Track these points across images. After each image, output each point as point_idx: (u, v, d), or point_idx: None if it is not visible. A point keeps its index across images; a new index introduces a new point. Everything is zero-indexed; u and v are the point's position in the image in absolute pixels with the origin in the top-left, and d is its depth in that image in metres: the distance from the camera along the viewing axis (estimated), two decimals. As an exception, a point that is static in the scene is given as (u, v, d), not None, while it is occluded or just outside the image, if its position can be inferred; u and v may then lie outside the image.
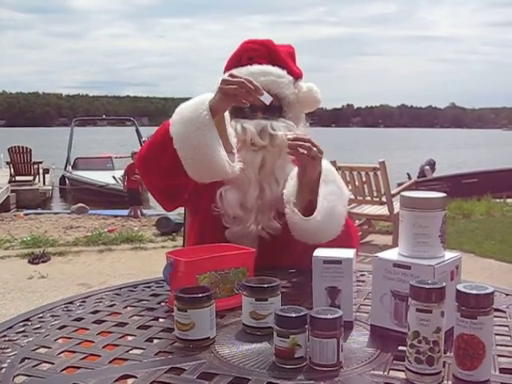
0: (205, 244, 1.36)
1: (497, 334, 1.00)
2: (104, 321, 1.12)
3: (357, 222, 5.88)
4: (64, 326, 1.09)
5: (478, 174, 11.41)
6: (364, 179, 5.76)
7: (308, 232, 1.40)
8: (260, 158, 1.49)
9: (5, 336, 1.05)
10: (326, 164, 1.45)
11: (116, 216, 8.34)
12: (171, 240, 6.16)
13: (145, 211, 9.14)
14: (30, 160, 13.79)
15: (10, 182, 12.98)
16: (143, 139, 14.23)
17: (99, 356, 0.94)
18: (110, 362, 0.91)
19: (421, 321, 0.82)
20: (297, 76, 1.60)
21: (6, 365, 0.91)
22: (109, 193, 12.27)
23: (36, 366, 0.91)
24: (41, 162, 14.37)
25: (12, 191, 12.01)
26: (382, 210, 5.72)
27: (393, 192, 5.69)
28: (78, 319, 1.14)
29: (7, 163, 14.04)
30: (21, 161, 13.74)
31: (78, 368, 0.90)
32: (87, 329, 1.08)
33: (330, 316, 0.87)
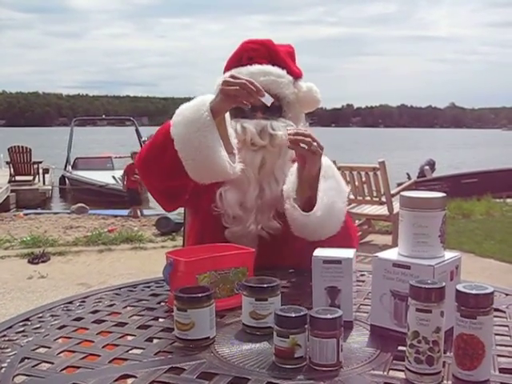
0: (204, 244, 1.36)
1: (496, 334, 1.00)
2: (104, 320, 1.12)
3: (357, 221, 5.88)
4: (64, 326, 1.09)
5: (477, 173, 11.42)
6: (364, 179, 5.76)
7: (308, 228, 1.40)
8: (260, 157, 1.49)
9: (4, 336, 1.05)
10: (325, 160, 1.44)
11: (116, 216, 8.33)
12: (171, 240, 6.16)
13: (145, 211, 9.14)
14: (30, 160, 13.79)
15: (9, 181, 12.98)
16: (143, 139, 14.23)
17: (99, 356, 0.94)
18: (109, 362, 0.91)
19: (420, 321, 0.82)
20: (296, 76, 1.60)
21: (5, 364, 0.91)
22: (109, 193, 12.27)
23: (36, 365, 0.91)
24: (41, 162, 14.36)
25: (12, 191, 12.01)
26: (382, 210, 5.72)
27: (392, 192, 5.70)
28: (78, 319, 1.14)
29: (7, 163, 14.04)
30: (21, 161, 13.74)
31: (78, 368, 0.90)
32: (87, 328, 1.08)
33: (329, 316, 0.87)
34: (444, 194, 1.01)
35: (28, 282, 4.54)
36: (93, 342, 1.01)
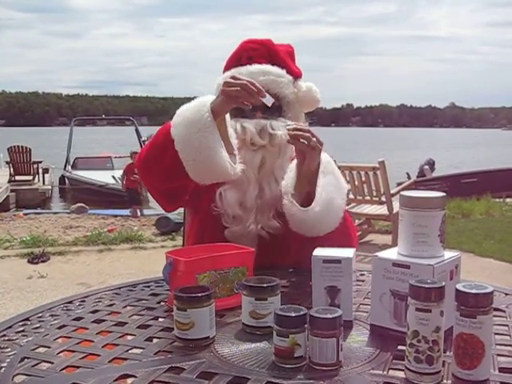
0: (204, 243, 1.36)
1: (496, 334, 1.00)
2: (103, 320, 1.12)
3: (356, 221, 5.88)
4: (63, 326, 1.09)
5: (477, 173, 11.42)
6: (363, 179, 5.76)
7: (306, 223, 1.39)
8: (259, 157, 1.49)
9: (4, 335, 1.05)
10: (324, 156, 1.44)
11: (115, 216, 8.33)
12: (171, 240, 6.16)
13: (144, 211, 9.14)
14: (30, 160, 13.79)
15: (9, 181, 12.98)
16: (143, 139, 14.23)
17: (99, 355, 0.94)
18: (109, 362, 0.91)
19: (420, 320, 0.82)
20: (296, 75, 1.60)
21: (5, 364, 0.91)
22: (108, 192, 12.27)
23: (35, 365, 0.91)
24: (40, 162, 14.36)
25: (11, 191, 12.00)
26: (382, 210, 5.72)
27: (392, 191, 5.70)
28: (78, 319, 1.14)
29: (7, 163, 14.04)
30: (20, 160, 13.74)
31: (78, 367, 0.90)
32: (87, 328, 1.08)
33: (329, 315, 0.87)
34: (444, 194, 1.01)
35: (28, 281, 4.54)
36: (92, 341, 1.01)
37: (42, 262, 5.14)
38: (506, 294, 1.27)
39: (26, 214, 8.52)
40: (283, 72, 1.56)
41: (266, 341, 0.98)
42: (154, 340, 1.02)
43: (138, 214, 8.79)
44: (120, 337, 1.03)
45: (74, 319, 1.13)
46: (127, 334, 1.05)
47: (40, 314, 1.17)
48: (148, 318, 1.13)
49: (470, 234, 6.09)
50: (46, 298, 3.98)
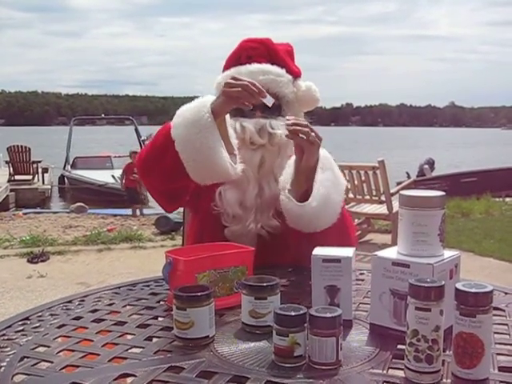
0: (204, 243, 1.36)
1: (496, 333, 1.00)
2: (103, 320, 1.12)
3: (356, 220, 5.88)
4: (63, 325, 1.09)
5: (476, 173, 11.43)
6: (363, 178, 5.76)
7: (303, 219, 1.39)
8: (259, 156, 1.49)
9: (4, 335, 1.05)
10: (323, 152, 1.44)
11: (115, 215, 8.33)
12: (170, 239, 6.16)
13: (144, 210, 9.14)
14: (29, 159, 13.79)
15: (9, 181, 12.98)
16: (142, 138, 14.23)
17: (98, 355, 0.94)
18: (109, 361, 0.91)
19: (420, 319, 0.82)
20: (296, 75, 1.60)
21: (4, 364, 0.91)
22: (108, 192, 12.27)
23: (35, 364, 0.91)
24: (40, 161, 14.36)
25: (11, 190, 12.00)
26: (381, 209, 5.72)
27: (392, 191, 5.70)
28: (77, 318, 1.14)
29: (6, 162, 14.04)
30: (20, 160, 13.74)
31: (77, 367, 0.90)
32: (86, 328, 1.08)
33: (329, 315, 0.87)
34: (443, 193, 1.01)
35: (27, 281, 4.54)
36: (92, 340, 1.01)
37: (42, 261, 5.14)
38: (506, 293, 1.27)
39: (25, 214, 8.52)
40: (283, 71, 1.56)
41: (266, 340, 0.98)
42: (154, 339, 1.02)
43: (138, 213, 8.80)
44: (120, 336, 1.03)
45: (73, 318, 1.13)
46: (127, 334, 1.05)
47: (40, 314, 1.17)
48: (147, 317, 1.13)
49: (470, 234, 6.09)
50: (45, 297, 3.98)
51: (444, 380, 0.84)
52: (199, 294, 0.97)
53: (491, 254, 5.24)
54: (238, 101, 1.35)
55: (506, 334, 1.02)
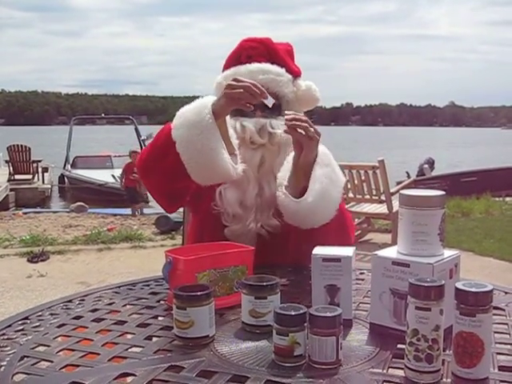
0: (204, 242, 1.36)
1: (496, 332, 1.00)
2: (103, 319, 1.12)
3: (356, 220, 5.88)
4: (63, 325, 1.09)
5: (476, 172, 11.43)
6: (363, 178, 5.76)
7: (299, 214, 1.39)
8: (259, 156, 1.49)
9: (4, 334, 1.05)
10: (322, 148, 1.44)
11: (115, 215, 8.33)
12: (170, 239, 6.16)
13: (144, 210, 9.15)
14: (29, 159, 13.79)
15: (9, 180, 12.98)
16: (142, 138, 14.23)
17: (98, 354, 0.94)
18: (109, 360, 0.91)
19: (420, 319, 0.82)
20: (295, 74, 1.60)
21: (4, 363, 0.91)
22: (108, 191, 12.27)
23: (35, 364, 0.91)
24: (40, 161, 14.37)
25: (11, 190, 12.01)
26: (381, 209, 5.72)
27: (392, 190, 5.70)
28: (77, 317, 1.14)
29: (6, 162, 14.04)
30: (20, 159, 13.74)
31: (77, 366, 0.90)
32: (86, 327, 1.08)
33: (329, 314, 0.87)
34: (443, 193, 1.01)
35: (27, 280, 4.54)
36: (92, 340, 1.01)
37: (42, 260, 5.14)
38: (506, 293, 1.27)
39: (25, 213, 8.52)
40: (282, 71, 1.56)
41: (266, 339, 0.98)
42: (154, 339, 1.02)
43: (137, 213, 8.80)
44: (120, 335, 1.03)
45: (73, 318, 1.13)
46: (127, 333, 1.05)
47: (40, 313, 1.17)
48: (148, 316, 1.13)
49: (470, 233, 6.10)
50: (45, 296, 3.98)
51: (444, 379, 0.84)
52: (199, 293, 0.97)
53: (491, 254, 5.24)
54: (239, 102, 1.35)
55: (506, 333, 1.02)
